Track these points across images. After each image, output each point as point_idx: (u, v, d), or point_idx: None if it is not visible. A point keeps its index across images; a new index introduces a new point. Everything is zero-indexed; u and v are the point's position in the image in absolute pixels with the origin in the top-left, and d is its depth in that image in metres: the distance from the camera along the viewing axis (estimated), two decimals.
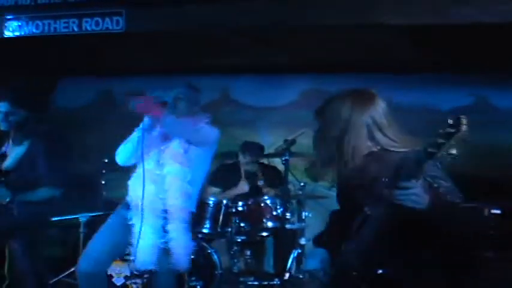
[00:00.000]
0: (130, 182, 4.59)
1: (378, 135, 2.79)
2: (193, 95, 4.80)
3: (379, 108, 2.80)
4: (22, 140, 5.16)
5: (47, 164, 5.05)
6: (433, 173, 2.56)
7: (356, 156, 2.78)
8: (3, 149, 5.25)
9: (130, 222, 4.46)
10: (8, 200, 5.02)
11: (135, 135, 4.54)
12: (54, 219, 5.64)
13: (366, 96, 2.84)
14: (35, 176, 4.99)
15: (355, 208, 2.77)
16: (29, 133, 5.14)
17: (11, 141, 5.25)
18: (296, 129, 6.38)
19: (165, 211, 4.47)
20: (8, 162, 5.16)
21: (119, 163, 4.69)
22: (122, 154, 4.63)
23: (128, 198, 4.57)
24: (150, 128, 4.49)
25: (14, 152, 5.17)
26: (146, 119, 4.44)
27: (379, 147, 2.79)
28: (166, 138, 4.58)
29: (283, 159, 6.15)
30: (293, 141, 6.10)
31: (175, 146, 4.56)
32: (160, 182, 4.50)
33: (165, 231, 4.45)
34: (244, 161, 6.84)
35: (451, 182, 2.65)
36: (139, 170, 4.53)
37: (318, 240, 3.21)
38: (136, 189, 4.49)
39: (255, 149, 6.88)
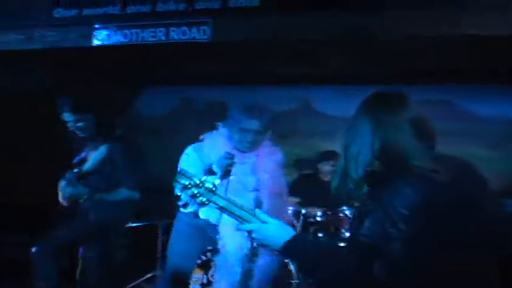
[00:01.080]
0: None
1: None
2: (267, 123, 4.47)
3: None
4: (100, 145, 5.25)
5: (124, 168, 5.13)
6: None
7: None
8: (84, 154, 5.35)
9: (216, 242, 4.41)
10: (85, 197, 5.12)
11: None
12: (132, 225, 5.73)
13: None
14: (112, 179, 5.07)
15: None
16: (106, 138, 5.24)
17: (89, 147, 5.35)
18: None
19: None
20: (87, 165, 5.27)
21: None
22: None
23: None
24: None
25: (93, 156, 5.27)
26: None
27: None
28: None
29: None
30: None
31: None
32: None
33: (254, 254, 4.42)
34: (323, 170, 6.82)
35: None
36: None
37: None
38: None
39: (335, 158, 6.85)
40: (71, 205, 5.19)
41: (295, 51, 5.93)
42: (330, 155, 6.86)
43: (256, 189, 4.45)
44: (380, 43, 5.51)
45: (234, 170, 4.24)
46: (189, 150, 4.49)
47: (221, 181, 4.07)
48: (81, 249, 5.38)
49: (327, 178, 6.83)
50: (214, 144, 4.43)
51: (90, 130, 5.22)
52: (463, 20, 4.86)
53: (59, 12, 5.63)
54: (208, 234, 4.46)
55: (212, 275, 4.64)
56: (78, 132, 5.23)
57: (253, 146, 4.40)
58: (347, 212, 6.17)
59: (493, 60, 5.91)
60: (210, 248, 4.60)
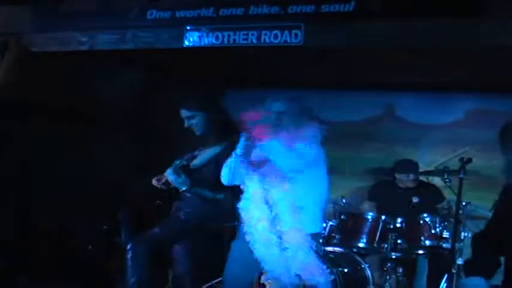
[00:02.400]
0: (241, 205, 4.60)
1: None
2: (297, 106, 4.63)
3: None
4: (214, 143, 5.36)
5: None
6: None
7: None
8: (196, 152, 5.46)
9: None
10: (185, 188, 5.25)
11: (231, 159, 4.55)
12: (224, 224, 5.79)
13: None
14: (216, 178, 5.14)
15: None
16: (221, 139, 5.33)
17: (204, 145, 5.46)
18: (458, 148, 6.31)
19: (280, 237, 4.42)
20: (196, 161, 5.38)
21: (223, 182, 4.73)
22: (224, 176, 4.68)
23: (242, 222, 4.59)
24: (246, 152, 4.47)
25: (205, 154, 5.37)
26: (242, 142, 4.45)
27: None
28: (265, 161, 4.48)
29: (459, 177, 6.01)
30: (469, 160, 5.97)
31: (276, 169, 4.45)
32: (269, 206, 4.47)
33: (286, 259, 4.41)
34: (400, 177, 6.81)
35: None
36: (248, 193, 4.56)
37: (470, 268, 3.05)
38: (247, 213, 4.53)
39: (411, 167, 6.83)
40: (165, 192, 5.32)
41: (385, 57, 5.92)
42: (405, 163, 6.85)
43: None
44: (463, 50, 5.47)
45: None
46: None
47: None
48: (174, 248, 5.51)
49: (404, 185, 6.81)
50: None
51: (203, 128, 5.34)
52: None
53: (152, 14, 5.73)
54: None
55: None
56: (193, 129, 5.36)
57: (277, 127, 4.40)
58: (427, 219, 6.14)
59: None
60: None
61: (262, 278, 5.30)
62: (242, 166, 4.53)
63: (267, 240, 4.41)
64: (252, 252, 4.46)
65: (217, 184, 5.02)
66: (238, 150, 4.49)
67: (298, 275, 4.38)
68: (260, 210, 4.47)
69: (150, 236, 5.25)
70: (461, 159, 6.00)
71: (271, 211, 4.44)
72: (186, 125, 5.41)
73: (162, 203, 5.56)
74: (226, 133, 5.24)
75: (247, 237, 4.46)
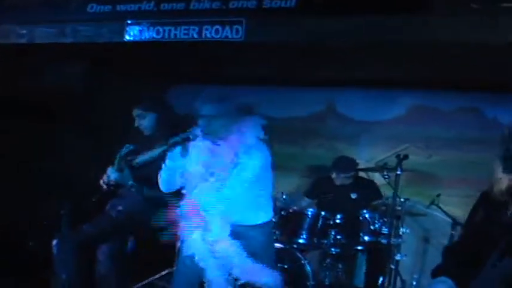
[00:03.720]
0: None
1: None
2: (230, 106, 4.38)
3: None
4: (160, 143, 5.33)
5: None
6: None
7: None
8: (141, 149, 5.42)
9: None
10: (131, 182, 5.21)
11: (167, 164, 4.46)
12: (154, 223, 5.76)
13: None
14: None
15: (499, 231, 2.74)
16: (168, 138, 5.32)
17: (149, 145, 5.44)
18: (399, 145, 6.40)
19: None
20: (139, 159, 5.35)
21: (162, 190, 4.63)
22: (162, 183, 4.59)
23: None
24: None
25: (149, 153, 5.34)
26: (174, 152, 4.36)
27: None
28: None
29: (396, 173, 6.11)
30: (405, 157, 6.07)
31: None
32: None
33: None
34: (337, 175, 6.85)
35: None
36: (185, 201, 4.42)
37: (439, 269, 3.10)
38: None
39: (347, 164, 6.88)
40: (108, 191, 5.27)
41: (323, 54, 5.95)
42: (342, 160, 6.90)
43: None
44: (411, 48, 5.55)
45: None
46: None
47: None
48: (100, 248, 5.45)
49: (341, 182, 6.85)
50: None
51: (152, 128, 5.31)
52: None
53: (93, 7, 5.67)
54: None
55: None
56: (141, 127, 5.33)
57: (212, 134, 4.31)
58: (366, 216, 6.22)
59: None
60: None
61: None
62: (175, 175, 4.45)
63: (202, 249, 4.30)
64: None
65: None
66: (169, 162, 4.42)
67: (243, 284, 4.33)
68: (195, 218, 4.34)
69: (77, 232, 5.19)
70: (398, 155, 6.11)
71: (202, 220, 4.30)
72: (136, 123, 5.38)
73: (98, 199, 5.46)
74: (174, 134, 5.25)
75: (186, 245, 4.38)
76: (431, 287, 2.93)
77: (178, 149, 4.34)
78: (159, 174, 4.59)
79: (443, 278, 2.94)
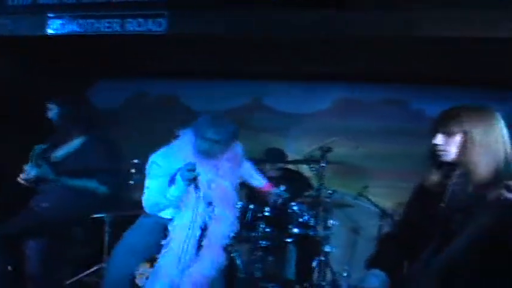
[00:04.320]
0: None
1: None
2: (231, 133, 4.59)
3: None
4: (75, 136, 5.29)
5: (97, 162, 5.16)
6: None
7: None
8: (58, 142, 5.39)
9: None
10: (51, 177, 5.15)
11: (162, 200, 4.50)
12: (81, 217, 5.72)
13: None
14: (82, 170, 5.15)
15: (431, 226, 2.71)
16: (83, 132, 5.27)
17: (65, 137, 5.40)
18: (326, 137, 6.44)
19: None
20: (58, 154, 5.28)
21: (150, 213, 4.66)
22: (152, 208, 4.62)
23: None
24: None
25: (66, 146, 5.28)
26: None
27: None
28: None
29: (318, 166, 6.15)
30: (329, 149, 6.12)
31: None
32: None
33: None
34: (266, 167, 6.88)
35: None
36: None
37: (372, 262, 3.06)
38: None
39: (277, 155, 6.91)
40: (29, 187, 5.20)
41: (250, 46, 5.96)
42: (271, 152, 6.93)
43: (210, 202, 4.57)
44: (338, 42, 5.60)
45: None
46: (157, 158, 4.55)
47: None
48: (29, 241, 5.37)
49: (270, 174, 6.89)
50: (180, 151, 4.52)
51: (65, 120, 5.26)
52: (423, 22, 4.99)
53: (14, 0, 5.58)
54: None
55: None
56: (54, 120, 5.27)
57: (210, 155, 4.48)
58: (295, 208, 6.25)
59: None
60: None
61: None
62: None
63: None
64: (141, 243, 4.55)
65: (84, 174, 5.09)
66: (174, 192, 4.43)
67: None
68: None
69: (1, 227, 5.12)
70: (321, 148, 6.16)
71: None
72: (49, 116, 5.32)
73: (20, 195, 5.38)
74: (89, 126, 5.23)
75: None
76: (363, 279, 2.90)
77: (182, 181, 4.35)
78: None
79: (376, 271, 2.90)
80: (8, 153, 5.87)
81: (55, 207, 5.25)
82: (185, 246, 4.43)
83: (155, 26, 5.21)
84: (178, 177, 4.31)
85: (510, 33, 4.84)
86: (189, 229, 4.43)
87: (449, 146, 2.69)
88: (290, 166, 7.13)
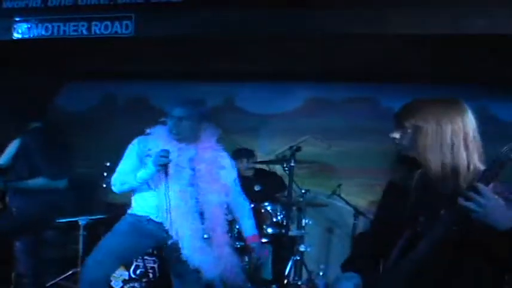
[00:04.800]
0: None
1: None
2: (197, 112, 4.66)
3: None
4: (14, 138, 5.28)
5: (41, 158, 5.14)
6: None
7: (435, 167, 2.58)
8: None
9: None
10: (1, 185, 5.16)
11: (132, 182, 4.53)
12: (56, 221, 5.69)
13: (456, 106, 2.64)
14: (30, 170, 5.16)
15: (402, 226, 2.64)
16: (19, 131, 5.25)
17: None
18: (298, 136, 6.46)
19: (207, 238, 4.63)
20: (2, 159, 5.27)
21: (116, 192, 4.66)
22: (120, 187, 4.62)
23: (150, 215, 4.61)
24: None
25: (8, 150, 5.27)
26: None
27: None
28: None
29: (288, 165, 6.16)
30: (298, 148, 6.13)
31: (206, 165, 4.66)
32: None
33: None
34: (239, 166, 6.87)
35: None
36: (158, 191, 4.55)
37: (347, 265, 2.98)
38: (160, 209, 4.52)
39: (247, 155, 6.90)
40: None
41: (218, 47, 5.96)
42: (242, 152, 6.92)
43: (191, 184, 4.58)
44: (307, 41, 5.61)
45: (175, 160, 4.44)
46: (136, 141, 4.63)
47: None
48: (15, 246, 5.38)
49: (243, 174, 6.88)
50: (158, 137, 4.58)
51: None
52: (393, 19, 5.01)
53: None
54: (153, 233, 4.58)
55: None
56: None
57: (180, 134, 4.53)
58: (268, 208, 6.25)
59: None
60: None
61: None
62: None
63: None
64: (128, 242, 4.55)
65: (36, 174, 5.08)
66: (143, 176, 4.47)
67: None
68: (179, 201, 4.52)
69: None
70: (291, 147, 6.17)
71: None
72: None
73: None
74: (25, 125, 5.24)
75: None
76: (336, 283, 2.84)
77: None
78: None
79: (350, 274, 2.81)
80: None
81: (24, 210, 5.23)
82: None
83: (122, 28, 5.20)
84: (150, 161, 4.39)
85: (473, 30, 4.86)
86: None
87: (403, 140, 2.64)
88: (264, 166, 7.12)
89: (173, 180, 4.47)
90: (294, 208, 6.45)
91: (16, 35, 5.45)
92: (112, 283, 5.87)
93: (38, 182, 5.19)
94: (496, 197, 2.31)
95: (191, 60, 6.64)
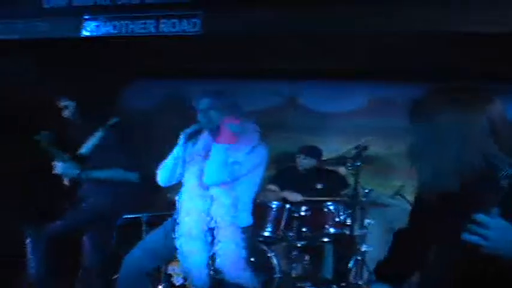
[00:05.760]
0: (178, 198, 4.59)
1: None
2: (220, 102, 4.59)
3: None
4: (96, 131, 5.34)
5: (119, 151, 5.22)
6: None
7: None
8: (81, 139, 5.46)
9: (175, 239, 4.47)
10: (78, 172, 5.23)
11: (174, 154, 4.58)
12: (122, 217, 5.75)
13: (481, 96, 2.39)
14: (107, 161, 5.25)
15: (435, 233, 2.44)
16: (101, 125, 5.36)
17: (87, 133, 5.48)
18: (362, 136, 6.39)
19: (212, 230, 4.44)
20: (82, 149, 5.35)
21: (161, 184, 4.70)
22: (161, 178, 4.66)
23: (175, 215, 4.58)
24: (189, 146, 4.55)
25: (89, 141, 5.36)
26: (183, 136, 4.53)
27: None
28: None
29: (354, 164, 6.11)
30: (365, 148, 6.07)
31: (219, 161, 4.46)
32: (206, 200, 4.47)
33: (214, 251, 4.42)
34: (302, 165, 6.85)
35: None
36: (186, 187, 4.56)
37: (380, 271, 2.81)
38: (182, 206, 4.51)
39: (314, 153, 6.89)
40: (72, 185, 5.25)
41: (284, 45, 5.95)
42: (308, 149, 6.90)
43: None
44: (365, 38, 5.57)
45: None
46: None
47: None
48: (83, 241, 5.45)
49: (307, 171, 6.86)
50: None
51: (75, 116, 5.30)
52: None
53: (48, 2, 5.61)
54: None
55: None
56: (70, 118, 5.32)
57: (208, 125, 4.54)
58: (331, 208, 6.22)
59: None
60: None
61: (170, 268, 5.32)
62: (178, 167, 4.57)
63: (193, 234, 4.40)
64: (163, 241, 4.51)
65: (110, 165, 5.20)
66: (176, 152, 4.53)
67: (217, 270, 4.38)
68: (192, 203, 4.45)
69: (50, 229, 5.17)
70: (357, 146, 6.11)
71: (205, 205, 4.44)
72: (64, 114, 5.38)
73: (68, 194, 5.45)
74: (102, 119, 5.28)
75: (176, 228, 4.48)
76: None
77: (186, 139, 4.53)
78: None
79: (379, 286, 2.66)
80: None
81: (95, 202, 5.30)
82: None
83: (190, 26, 5.22)
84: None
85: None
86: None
87: None
88: (326, 165, 7.08)
89: (189, 171, 4.51)
90: (357, 208, 6.39)
91: (85, 33, 5.51)
92: (173, 279, 5.92)
93: (112, 172, 5.25)
94: (504, 222, 2.08)
95: (256, 59, 6.63)
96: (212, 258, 4.39)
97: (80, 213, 5.34)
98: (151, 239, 4.74)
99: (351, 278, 6.25)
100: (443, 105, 2.38)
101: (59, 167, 5.27)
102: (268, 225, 6.21)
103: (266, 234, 6.22)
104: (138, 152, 5.52)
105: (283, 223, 6.23)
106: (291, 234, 6.26)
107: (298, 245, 6.31)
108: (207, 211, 4.42)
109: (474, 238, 2.07)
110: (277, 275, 6.08)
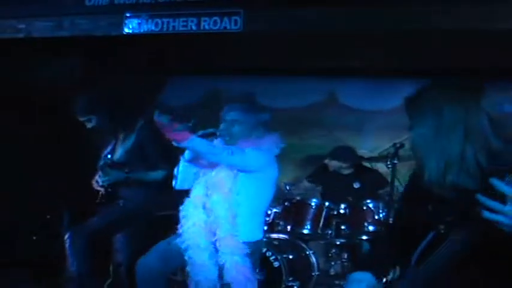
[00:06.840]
0: (182, 208, 4.49)
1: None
2: (252, 117, 4.49)
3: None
4: (127, 135, 5.36)
5: (156, 150, 5.22)
6: None
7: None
8: (111, 146, 5.49)
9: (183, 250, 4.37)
10: (122, 179, 5.27)
11: (184, 156, 4.52)
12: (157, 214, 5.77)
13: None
14: (147, 163, 5.27)
15: (424, 226, 2.40)
16: (132, 128, 5.39)
17: (116, 139, 5.53)
18: (400, 134, 6.34)
19: (214, 242, 4.32)
20: (117, 155, 5.37)
21: (175, 187, 4.66)
22: (176, 177, 4.63)
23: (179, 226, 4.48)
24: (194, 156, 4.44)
25: (122, 146, 5.41)
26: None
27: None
28: (212, 164, 4.43)
29: (392, 162, 6.07)
30: (402, 145, 6.02)
31: (221, 173, 4.36)
32: (207, 212, 4.37)
33: (221, 263, 4.29)
34: (337, 164, 6.82)
35: None
36: (190, 196, 4.48)
37: (363, 262, 2.81)
38: (185, 215, 4.43)
39: (348, 152, 6.85)
40: (108, 192, 5.28)
41: (324, 43, 5.93)
42: (341, 149, 6.87)
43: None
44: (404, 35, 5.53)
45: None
46: None
47: None
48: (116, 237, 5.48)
49: (341, 171, 6.83)
50: None
51: (102, 127, 5.33)
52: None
53: (91, 0, 5.66)
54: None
55: None
56: (96, 130, 5.36)
57: (230, 139, 4.43)
58: (370, 205, 6.19)
59: None
60: None
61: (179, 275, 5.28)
62: (190, 170, 4.53)
63: (198, 245, 4.31)
64: (176, 247, 4.38)
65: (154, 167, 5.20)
66: (186, 154, 4.48)
67: (225, 283, 4.28)
68: (197, 214, 4.37)
69: (88, 225, 5.22)
70: (394, 144, 6.06)
71: (208, 216, 4.33)
72: (88, 126, 5.40)
73: (104, 192, 5.47)
74: (135, 122, 5.34)
75: (181, 239, 4.37)
76: (348, 285, 2.63)
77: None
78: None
79: (360, 274, 2.60)
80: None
81: (134, 200, 5.33)
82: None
83: (231, 24, 5.22)
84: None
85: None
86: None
87: None
88: (364, 163, 7.04)
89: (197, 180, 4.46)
90: (396, 206, 6.34)
91: (127, 30, 5.54)
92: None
93: (158, 174, 5.27)
94: None
95: (297, 56, 6.62)
96: (220, 270, 4.28)
97: (117, 211, 5.37)
98: (169, 241, 4.55)
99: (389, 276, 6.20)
100: (443, 100, 2.38)
101: (100, 179, 5.31)
102: (307, 223, 6.21)
103: (305, 232, 6.22)
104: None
105: (322, 221, 6.22)
106: (329, 232, 6.25)
107: (337, 243, 6.30)
108: (209, 223, 4.33)
109: (495, 217, 1.95)
110: (315, 273, 6.07)
